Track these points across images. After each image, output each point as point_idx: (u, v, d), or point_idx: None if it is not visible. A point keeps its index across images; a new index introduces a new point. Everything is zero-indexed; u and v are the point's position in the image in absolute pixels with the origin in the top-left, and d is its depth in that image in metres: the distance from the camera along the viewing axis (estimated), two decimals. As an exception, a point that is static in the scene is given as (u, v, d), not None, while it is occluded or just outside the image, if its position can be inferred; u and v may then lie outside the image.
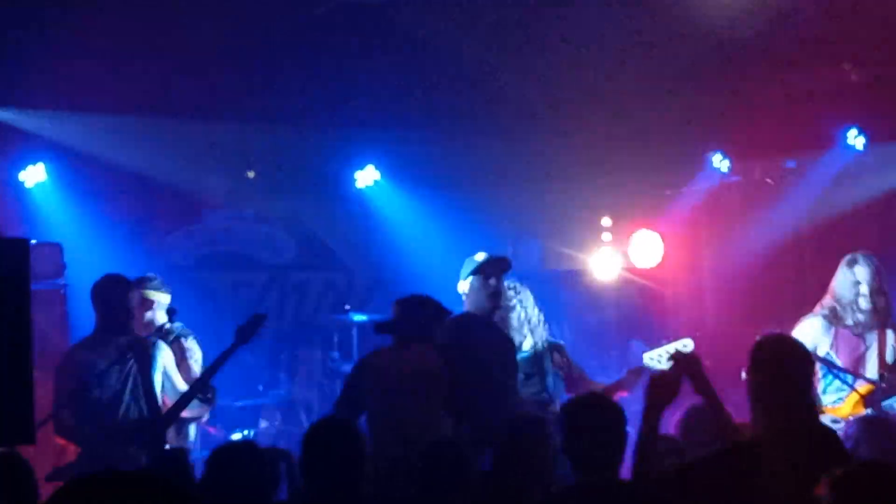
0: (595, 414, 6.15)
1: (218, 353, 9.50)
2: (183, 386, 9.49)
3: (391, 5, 12.71)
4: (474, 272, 9.58)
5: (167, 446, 9.20)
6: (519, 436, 7.36)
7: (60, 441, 9.36)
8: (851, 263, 9.74)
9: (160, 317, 9.89)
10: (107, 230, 12.74)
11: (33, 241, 10.68)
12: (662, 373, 7.60)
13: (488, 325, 9.55)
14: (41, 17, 11.46)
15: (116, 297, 9.33)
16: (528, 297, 10.27)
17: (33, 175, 12.37)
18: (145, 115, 12.26)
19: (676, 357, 7.45)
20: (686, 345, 9.52)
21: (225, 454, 6.92)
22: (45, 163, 12.37)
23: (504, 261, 9.73)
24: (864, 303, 9.57)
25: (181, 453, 8.39)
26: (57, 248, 11.71)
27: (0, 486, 5.38)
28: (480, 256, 9.75)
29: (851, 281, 9.66)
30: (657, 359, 9.50)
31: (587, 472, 6.04)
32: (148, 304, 9.84)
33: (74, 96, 11.82)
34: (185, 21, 11.94)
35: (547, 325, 10.12)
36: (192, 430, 10.58)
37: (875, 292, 9.57)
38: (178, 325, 9.97)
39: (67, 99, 11.87)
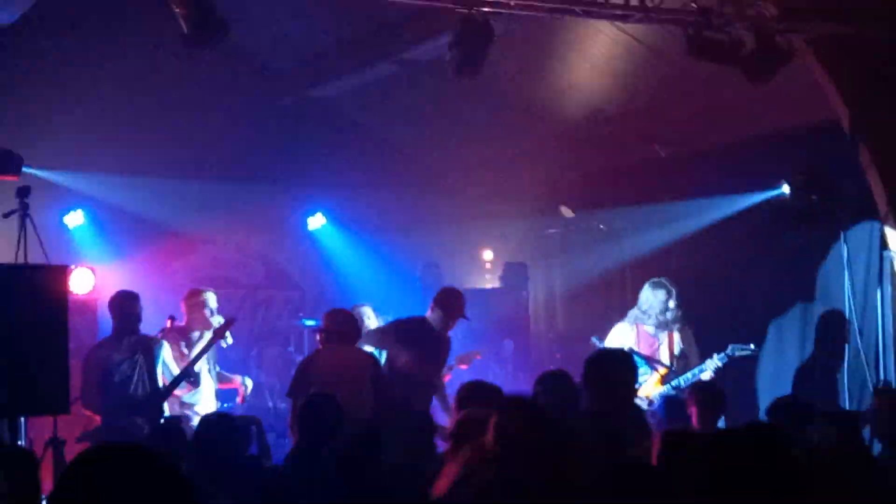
0: None
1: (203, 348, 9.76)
2: (177, 372, 9.63)
3: (337, 99, 13.04)
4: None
5: (165, 416, 9.26)
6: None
7: (88, 413, 9.42)
8: (656, 285, 10.16)
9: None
10: (127, 259, 12.62)
11: (73, 266, 10.73)
12: None
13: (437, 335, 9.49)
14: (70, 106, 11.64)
15: (128, 307, 9.43)
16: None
17: (74, 219, 12.31)
18: (156, 175, 12.28)
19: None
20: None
21: (210, 421, 6.97)
22: (83, 209, 12.33)
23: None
24: (659, 312, 9.95)
25: (175, 421, 8.66)
26: (90, 271, 11.60)
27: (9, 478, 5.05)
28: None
29: (653, 297, 10.03)
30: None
31: None
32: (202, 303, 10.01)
33: (103, 162, 11.91)
34: (185, 107, 12.23)
35: None
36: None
37: (668, 305, 9.99)
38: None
39: (98, 164, 11.93)
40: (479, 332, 12.36)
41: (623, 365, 6.67)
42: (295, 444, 7.14)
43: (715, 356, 9.65)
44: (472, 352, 11.37)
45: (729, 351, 9.69)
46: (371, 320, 10.67)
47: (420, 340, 9.31)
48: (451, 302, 9.47)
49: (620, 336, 9.88)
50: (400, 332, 9.38)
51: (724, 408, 7.86)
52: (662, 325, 9.93)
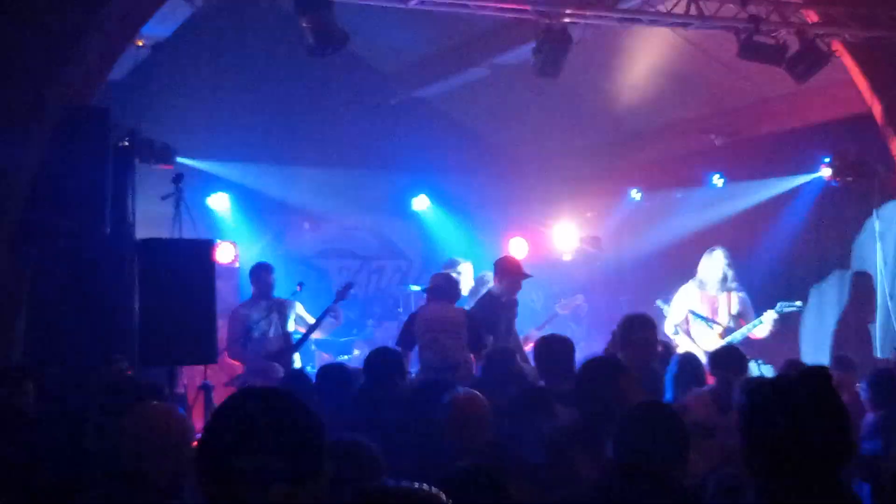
0: None
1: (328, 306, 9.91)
2: (312, 320, 9.83)
3: (437, 98, 13.09)
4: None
5: (296, 366, 9.47)
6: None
7: (233, 362, 9.72)
8: (712, 253, 9.96)
9: None
10: (262, 235, 12.88)
11: (218, 241, 10.85)
12: None
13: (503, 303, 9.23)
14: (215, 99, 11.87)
15: (264, 275, 9.66)
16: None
17: (219, 201, 12.45)
18: (286, 163, 12.51)
19: None
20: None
21: (328, 368, 7.07)
22: (226, 193, 12.47)
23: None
24: (716, 276, 9.67)
25: (303, 371, 8.86)
26: (232, 245, 11.92)
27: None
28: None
29: (710, 263, 9.72)
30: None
31: None
32: None
33: (242, 153, 12.15)
34: (311, 106, 12.41)
35: None
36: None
37: (723, 270, 9.76)
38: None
39: (238, 154, 12.16)
40: (559, 296, 12.35)
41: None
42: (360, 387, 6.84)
43: (768, 312, 9.43)
44: (574, 298, 11.23)
45: (778, 308, 9.46)
46: (465, 275, 10.41)
47: (495, 315, 9.11)
48: (508, 268, 9.28)
49: (685, 297, 9.67)
50: (476, 317, 9.03)
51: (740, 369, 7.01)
52: (720, 289, 9.66)
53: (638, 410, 3.85)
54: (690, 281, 9.84)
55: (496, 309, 9.12)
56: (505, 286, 9.17)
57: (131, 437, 3.59)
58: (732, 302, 9.70)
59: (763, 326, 9.44)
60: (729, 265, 9.77)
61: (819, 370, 2.73)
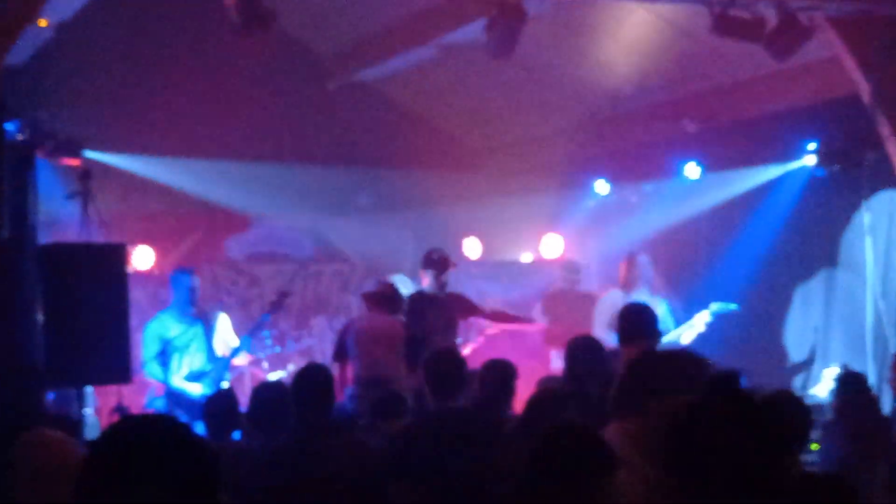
0: None
1: (260, 319, 9.85)
2: (235, 342, 9.81)
3: (380, 82, 13.00)
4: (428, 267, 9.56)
5: (223, 384, 9.32)
6: None
7: (151, 381, 9.56)
8: (633, 256, 10.18)
9: None
10: (184, 238, 12.70)
11: (133, 244, 10.72)
12: None
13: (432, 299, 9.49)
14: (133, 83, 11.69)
15: (186, 282, 9.51)
16: None
17: (134, 199, 12.07)
18: (209, 157, 12.29)
19: None
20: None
21: (263, 389, 6.94)
22: (140, 190, 12.08)
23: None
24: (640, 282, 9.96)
25: (230, 390, 8.78)
26: (150, 249, 11.77)
27: None
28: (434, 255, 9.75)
29: (634, 269, 10.07)
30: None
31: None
32: None
33: (158, 146, 11.90)
34: (236, 92, 12.28)
35: None
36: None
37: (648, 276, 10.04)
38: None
39: (153, 148, 11.91)
40: (517, 301, 12.34)
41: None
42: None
43: (700, 314, 9.79)
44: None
45: (712, 309, 9.80)
46: (405, 288, 10.55)
47: (425, 312, 9.25)
48: (431, 259, 9.51)
49: (610, 304, 9.80)
50: (409, 316, 9.26)
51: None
52: (647, 292, 9.86)
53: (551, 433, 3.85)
54: (614, 289, 10.10)
55: (424, 305, 9.25)
56: (431, 280, 9.41)
57: (23, 467, 3.60)
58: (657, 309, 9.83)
59: (693, 330, 9.78)
60: (651, 270, 10.16)
61: (727, 377, 2.74)
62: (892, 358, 8.63)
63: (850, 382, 7.29)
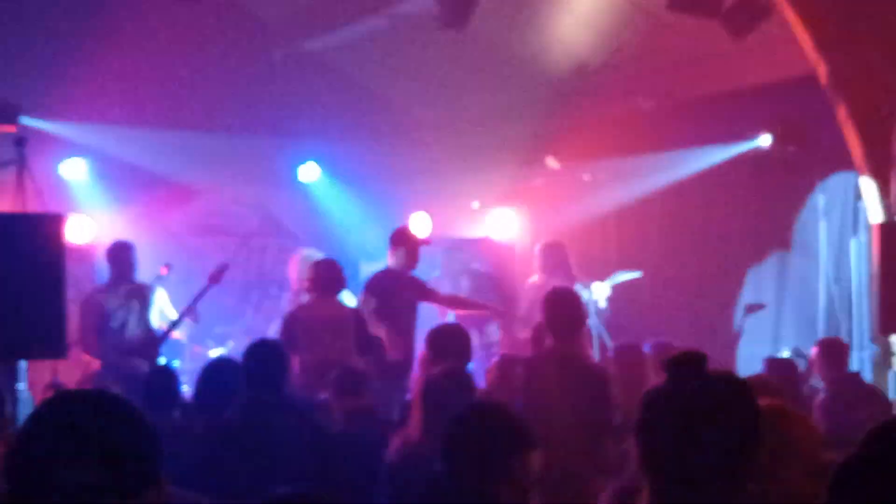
0: None
1: (199, 293, 9.73)
2: (173, 317, 9.74)
3: (328, 52, 12.91)
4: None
5: (161, 360, 9.27)
6: None
7: (87, 357, 9.43)
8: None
9: None
10: (124, 208, 12.43)
11: (69, 215, 10.55)
12: None
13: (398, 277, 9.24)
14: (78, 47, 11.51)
15: (124, 256, 9.40)
16: None
17: (71, 169, 12.13)
18: (150, 126, 12.07)
19: None
20: None
21: (212, 364, 6.90)
22: (80, 160, 12.14)
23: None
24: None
25: (169, 365, 8.66)
26: (88, 220, 11.55)
27: None
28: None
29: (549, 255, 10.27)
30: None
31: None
32: None
33: (98, 113, 11.73)
34: (179, 59, 12.12)
35: None
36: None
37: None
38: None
39: (93, 115, 11.76)
40: (464, 280, 12.30)
41: None
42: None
43: (596, 283, 10.06)
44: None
45: (611, 279, 10.11)
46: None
47: (394, 290, 9.10)
48: (403, 237, 9.36)
49: (530, 286, 9.96)
50: (376, 294, 9.09)
51: None
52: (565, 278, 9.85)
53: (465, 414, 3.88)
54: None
55: (392, 283, 9.09)
56: (401, 258, 9.18)
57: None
58: None
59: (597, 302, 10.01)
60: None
61: (692, 357, 2.69)
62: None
63: (777, 368, 7.32)
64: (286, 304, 10.98)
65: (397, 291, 9.04)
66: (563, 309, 6.66)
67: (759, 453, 2.64)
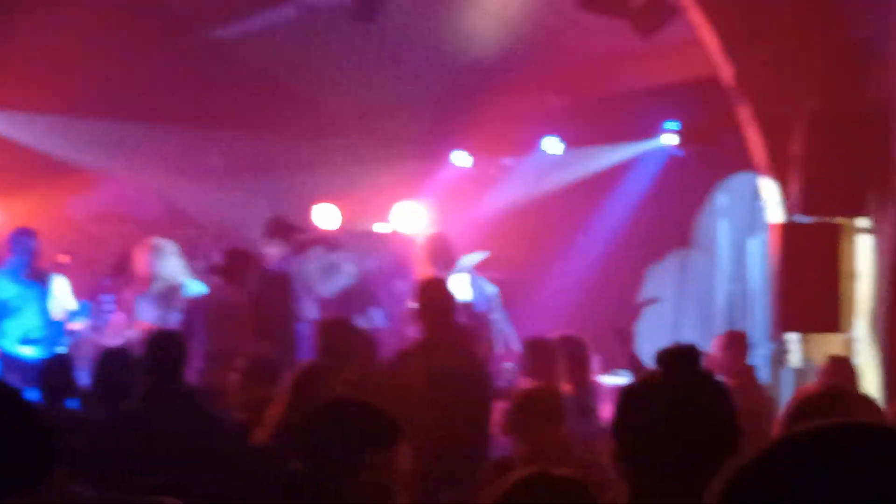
0: None
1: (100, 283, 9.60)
2: (73, 306, 9.61)
3: (236, 41, 12.76)
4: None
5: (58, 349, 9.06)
6: None
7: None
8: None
9: None
10: (24, 194, 12.01)
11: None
12: None
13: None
14: None
15: (23, 243, 9.32)
16: None
17: None
18: (53, 111, 12.00)
19: None
20: None
21: (108, 355, 6.71)
22: None
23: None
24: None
25: (66, 355, 8.59)
26: None
27: None
28: None
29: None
30: None
31: None
32: None
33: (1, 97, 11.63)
34: (84, 44, 11.89)
35: None
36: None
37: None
38: None
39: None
40: (372, 272, 12.27)
41: None
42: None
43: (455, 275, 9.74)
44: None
45: (462, 263, 9.84)
46: (170, 256, 10.14)
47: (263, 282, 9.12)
48: (279, 227, 9.43)
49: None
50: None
51: None
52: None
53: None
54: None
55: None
56: (279, 247, 9.30)
57: None
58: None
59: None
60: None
61: (685, 350, 2.69)
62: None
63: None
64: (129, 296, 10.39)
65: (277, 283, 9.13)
66: (432, 297, 6.67)
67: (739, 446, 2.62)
